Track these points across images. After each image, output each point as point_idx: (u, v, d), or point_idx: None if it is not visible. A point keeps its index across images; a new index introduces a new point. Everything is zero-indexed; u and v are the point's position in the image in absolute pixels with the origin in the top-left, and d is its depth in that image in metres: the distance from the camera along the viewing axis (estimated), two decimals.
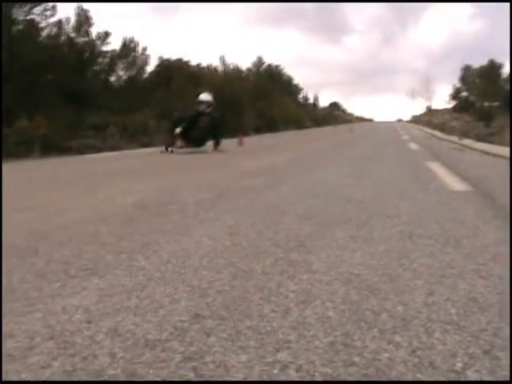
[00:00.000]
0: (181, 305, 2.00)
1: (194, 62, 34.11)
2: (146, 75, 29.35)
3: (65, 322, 1.85)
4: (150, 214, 4.11)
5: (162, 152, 13.21)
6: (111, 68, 27.15)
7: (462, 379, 1.43)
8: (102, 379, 1.44)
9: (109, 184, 6.45)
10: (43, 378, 1.45)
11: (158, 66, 30.29)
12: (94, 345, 1.66)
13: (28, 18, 21.51)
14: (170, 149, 13.38)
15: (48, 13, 22.32)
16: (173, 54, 32.24)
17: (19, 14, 20.79)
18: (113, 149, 17.51)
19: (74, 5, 24.45)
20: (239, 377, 1.44)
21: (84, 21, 24.74)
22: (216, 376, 1.45)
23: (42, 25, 22.46)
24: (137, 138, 20.71)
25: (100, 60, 26.36)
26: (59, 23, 23.44)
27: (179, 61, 31.44)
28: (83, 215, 4.15)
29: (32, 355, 1.60)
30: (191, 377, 1.44)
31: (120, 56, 27.54)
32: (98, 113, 21.69)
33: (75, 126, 18.86)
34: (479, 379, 1.42)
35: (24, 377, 1.47)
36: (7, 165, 12.35)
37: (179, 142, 13.29)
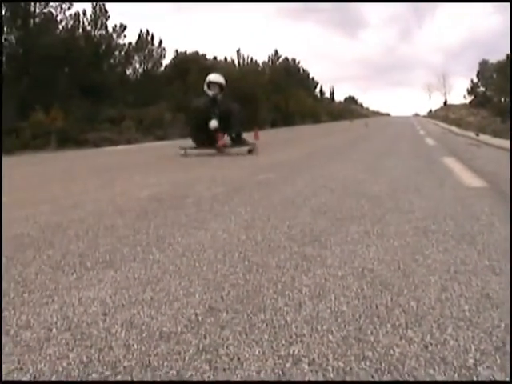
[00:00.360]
0: (195, 298, 2.02)
1: (210, 56, 34.15)
2: (162, 68, 29.44)
3: (81, 313, 1.88)
4: (166, 207, 4.13)
5: (183, 154, 10.26)
6: (127, 61, 27.22)
7: (474, 375, 1.44)
8: (117, 370, 1.46)
9: (125, 177, 6.48)
10: (60, 369, 1.48)
11: (174, 59, 30.34)
12: (110, 336, 1.68)
13: (45, 10, 21.61)
14: (186, 150, 10.33)
15: (65, 6, 22.42)
16: (190, 48, 32.31)
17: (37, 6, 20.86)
18: (129, 142, 17.60)
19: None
20: (253, 369, 1.46)
21: (100, 14, 24.80)
22: (230, 369, 1.46)
23: (59, 17, 22.58)
24: (152, 131, 20.78)
25: (116, 53, 26.43)
26: (76, 16, 23.53)
27: (195, 54, 31.47)
28: (99, 208, 4.19)
29: (49, 346, 1.62)
30: (205, 369, 1.46)
31: (136, 49, 27.60)
32: (114, 106, 21.78)
33: (91, 118, 18.95)
34: (490, 376, 1.43)
35: (41, 367, 1.49)
36: (23, 157, 12.44)
37: (222, 140, 10.34)
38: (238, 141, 10.66)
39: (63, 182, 6.13)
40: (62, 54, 20.39)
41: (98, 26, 24.83)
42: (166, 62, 29.82)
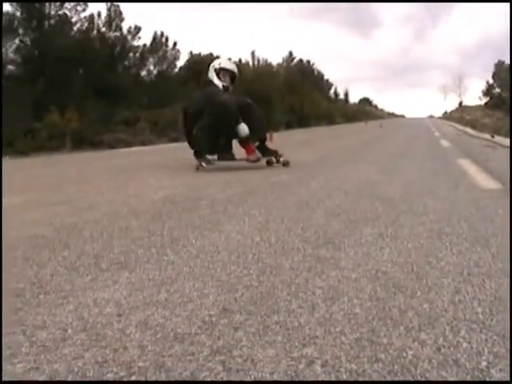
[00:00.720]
0: (209, 299, 2.04)
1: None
2: (176, 70, 29.52)
3: (96, 314, 1.90)
4: (180, 209, 4.15)
5: (198, 169, 7.55)
6: (142, 63, 27.34)
7: (486, 377, 1.44)
8: (131, 371, 1.48)
9: (139, 179, 6.51)
10: (76, 369, 1.50)
11: (189, 60, 30.43)
12: (125, 337, 1.70)
13: (60, 12, 21.77)
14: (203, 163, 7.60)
15: (80, 7, 22.57)
16: (204, 50, 32.38)
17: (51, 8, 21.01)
18: (143, 143, 17.66)
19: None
20: (266, 371, 1.47)
21: (115, 15, 24.93)
22: (243, 370, 1.48)
23: (74, 19, 22.74)
24: (166, 132, 20.83)
25: (131, 55, 26.56)
26: (91, 18, 23.66)
27: (210, 56, 31.48)
28: (114, 209, 4.21)
29: (64, 346, 1.64)
30: (219, 370, 1.47)
31: (151, 51, 27.70)
32: (128, 107, 21.87)
33: (106, 120, 19.04)
34: (503, 378, 1.43)
35: (57, 367, 1.51)
36: (39, 158, 12.52)
37: (254, 153, 7.89)
38: (262, 148, 8.01)
39: (78, 184, 6.16)
40: (77, 55, 20.55)
41: (113, 27, 24.97)
42: (180, 63, 29.93)
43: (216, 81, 8.02)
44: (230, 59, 9.11)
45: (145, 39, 27.91)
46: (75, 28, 22.84)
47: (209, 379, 1.43)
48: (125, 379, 1.43)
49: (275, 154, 8.05)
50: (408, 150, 11.88)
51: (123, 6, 25.36)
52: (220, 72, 8.10)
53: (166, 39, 28.54)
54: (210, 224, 3.54)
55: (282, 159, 7.92)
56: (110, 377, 1.45)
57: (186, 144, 8.13)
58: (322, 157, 9.98)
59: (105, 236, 3.23)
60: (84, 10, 22.75)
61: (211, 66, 8.18)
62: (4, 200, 4.66)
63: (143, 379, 1.43)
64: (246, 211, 4.00)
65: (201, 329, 1.75)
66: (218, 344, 1.64)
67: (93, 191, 5.42)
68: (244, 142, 7.89)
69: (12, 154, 13.43)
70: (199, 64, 29.38)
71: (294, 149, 12.27)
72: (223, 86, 8.02)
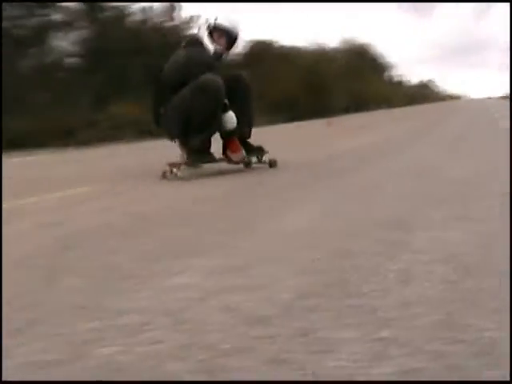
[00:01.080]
0: (285, 283, 2.07)
1: (284, 43, 34.00)
2: (233, 57, 29.54)
3: (175, 299, 1.95)
4: (241, 196, 4.20)
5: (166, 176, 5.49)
6: None
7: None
8: (214, 354, 1.52)
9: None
10: (162, 352, 1.55)
11: (248, 47, 30.41)
12: (206, 321, 1.74)
13: (116, 4, 22.14)
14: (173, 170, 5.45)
15: None
16: (260, 35, 32.34)
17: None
18: None
19: None
20: (344, 352, 1.49)
21: (172, 5, 25.06)
22: (323, 352, 1.50)
23: (130, 10, 23.06)
24: None
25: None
26: (145, 9, 23.89)
27: (268, 42, 31.44)
28: (180, 198, 4.28)
29: (146, 331, 1.69)
30: (300, 351, 1.50)
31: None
32: None
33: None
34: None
35: (138, 350, 1.56)
36: (101, 149, 12.75)
37: (239, 152, 5.95)
38: (244, 145, 5.99)
39: (140, 175, 6.25)
40: (135, 46, 20.76)
41: (169, 17, 25.11)
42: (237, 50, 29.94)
43: (206, 41, 5.78)
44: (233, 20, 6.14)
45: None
46: (131, 19, 23.12)
47: (290, 362, 1.45)
48: (208, 362, 1.47)
49: (260, 151, 6.09)
50: (471, 133, 11.68)
51: None
52: (214, 31, 5.82)
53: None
54: (275, 210, 3.58)
55: (266, 158, 6.05)
56: (194, 359, 1.49)
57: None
58: (385, 140, 9.92)
59: (176, 222, 3.29)
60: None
61: (203, 24, 5.98)
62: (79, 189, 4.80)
63: (227, 362, 1.47)
64: (315, 196, 4.02)
65: (279, 312, 1.78)
66: (297, 326, 1.67)
67: (151, 181, 5.48)
68: (228, 137, 5.88)
69: (74, 145, 13.72)
70: (257, 50, 29.42)
71: (355, 133, 12.20)
72: (215, 52, 5.79)
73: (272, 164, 5.98)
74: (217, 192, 4.53)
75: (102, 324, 1.75)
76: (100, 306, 1.91)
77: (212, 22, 5.82)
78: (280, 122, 22.18)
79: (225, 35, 5.82)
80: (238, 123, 5.75)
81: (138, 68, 20.85)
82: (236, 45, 6.07)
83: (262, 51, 29.03)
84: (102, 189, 5.08)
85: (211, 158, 5.79)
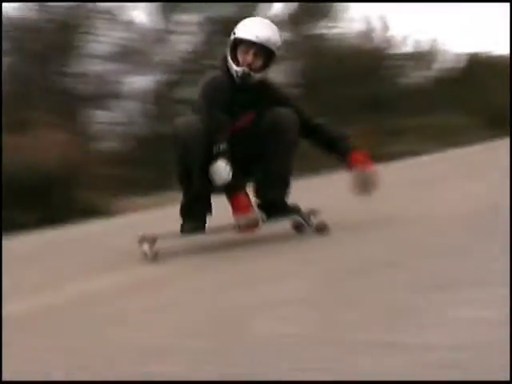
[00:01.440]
0: None
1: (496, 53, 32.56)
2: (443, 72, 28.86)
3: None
4: None
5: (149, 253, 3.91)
6: (406, 70, 27.35)
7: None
8: None
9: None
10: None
11: (462, 60, 29.52)
12: None
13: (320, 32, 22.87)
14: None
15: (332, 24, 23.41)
16: (474, 48, 31.26)
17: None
18: (414, 153, 17.38)
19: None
20: None
21: (382, 27, 25.40)
22: None
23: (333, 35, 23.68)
24: (443, 139, 20.50)
25: (395, 63, 26.67)
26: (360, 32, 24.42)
27: (484, 54, 30.23)
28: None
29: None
30: None
31: (417, 57, 27.68)
32: (396, 117, 22.04)
33: (379, 131, 19.32)
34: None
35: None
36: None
37: (250, 211, 4.06)
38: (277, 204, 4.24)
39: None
40: (346, 71, 21.14)
41: (377, 39, 25.32)
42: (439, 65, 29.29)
43: (230, 61, 4.10)
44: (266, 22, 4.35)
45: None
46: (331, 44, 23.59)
47: None
48: None
49: (299, 211, 4.27)
50: None
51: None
52: (239, 45, 4.09)
53: (434, 43, 28.12)
54: None
55: (313, 220, 4.20)
56: None
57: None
58: None
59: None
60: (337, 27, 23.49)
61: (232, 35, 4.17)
62: None
63: None
64: None
65: None
66: None
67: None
68: (230, 191, 4.13)
69: None
70: (473, 64, 28.58)
71: None
72: (239, 74, 4.05)
73: (321, 229, 4.14)
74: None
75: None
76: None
77: (232, 34, 4.14)
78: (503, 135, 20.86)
79: (253, 49, 4.04)
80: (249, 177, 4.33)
81: (351, 92, 21.13)
82: (274, 60, 4.16)
83: (478, 65, 28.19)
84: None
85: (196, 229, 4.20)
